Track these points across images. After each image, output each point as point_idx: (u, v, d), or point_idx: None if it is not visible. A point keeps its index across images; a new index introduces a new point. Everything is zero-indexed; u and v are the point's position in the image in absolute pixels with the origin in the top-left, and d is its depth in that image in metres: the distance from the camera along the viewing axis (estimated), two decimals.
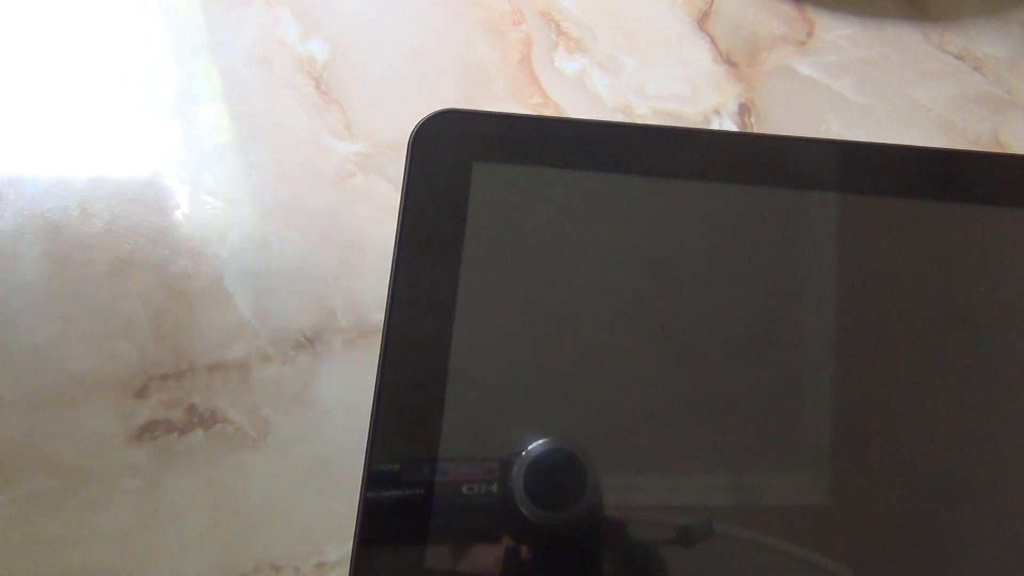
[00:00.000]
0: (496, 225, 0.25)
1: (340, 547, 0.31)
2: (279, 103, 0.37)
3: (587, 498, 0.23)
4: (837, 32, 0.38)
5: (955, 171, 0.24)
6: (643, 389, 0.24)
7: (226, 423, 0.33)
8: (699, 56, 0.38)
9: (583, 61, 0.37)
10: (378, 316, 0.32)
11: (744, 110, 0.36)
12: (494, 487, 0.23)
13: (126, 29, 0.38)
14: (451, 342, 0.24)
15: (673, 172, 0.25)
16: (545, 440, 0.23)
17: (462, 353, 0.24)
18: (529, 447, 0.23)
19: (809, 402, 0.23)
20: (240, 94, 0.37)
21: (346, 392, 0.33)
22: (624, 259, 0.24)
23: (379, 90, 0.37)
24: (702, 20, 0.38)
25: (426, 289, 0.25)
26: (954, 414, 0.23)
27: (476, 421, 0.24)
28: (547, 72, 0.37)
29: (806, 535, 0.22)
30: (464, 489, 0.23)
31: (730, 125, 0.36)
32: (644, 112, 0.36)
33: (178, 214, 0.35)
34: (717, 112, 0.36)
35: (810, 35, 0.38)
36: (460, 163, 0.25)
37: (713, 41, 0.38)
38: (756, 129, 0.36)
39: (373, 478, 0.24)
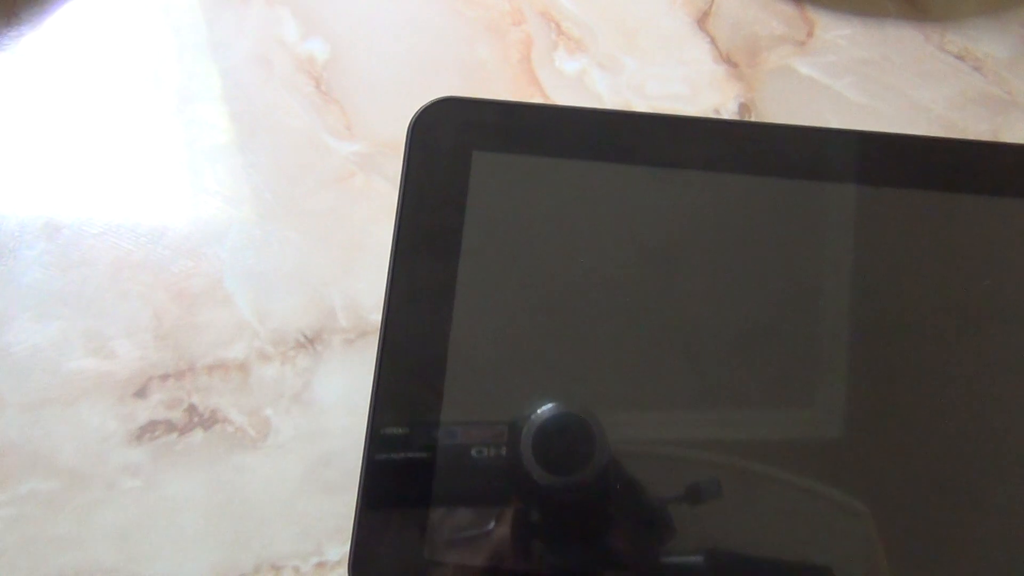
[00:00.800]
0: (496, 214, 0.25)
1: (340, 547, 0.31)
2: (279, 103, 0.37)
3: (595, 461, 0.23)
4: (837, 32, 0.38)
5: (961, 161, 0.24)
6: (645, 366, 0.24)
7: (226, 423, 0.33)
8: (699, 56, 0.38)
9: (583, 61, 0.38)
10: (378, 316, 0.32)
11: (744, 110, 0.36)
12: (503, 450, 0.23)
13: (126, 29, 0.38)
14: (451, 325, 0.24)
15: (674, 162, 0.25)
16: (551, 405, 0.23)
17: (462, 330, 0.24)
18: (536, 411, 0.23)
19: (814, 376, 0.23)
20: (240, 94, 0.37)
21: (346, 392, 0.33)
22: (625, 247, 0.24)
23: (379, 90, 0.37)
24: (702, 20, 0.38)
25: (425, 274, 0.25)
26: (964, 386, 0.23)
27: (479, 389, 0.24)
28: (547, 72, 0.37)
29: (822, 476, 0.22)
30: (473, 452, 0.23)
31: None
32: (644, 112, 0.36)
33: (178, 214, 0.35)
34: (717, 112, 0.36)
35: (810, 35, 0.38)
36: (460, 151, 0.25)
37: (713, 41, 0.38)
38: None
39: (378, 440, 0.24)
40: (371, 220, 0.35)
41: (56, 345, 0.34)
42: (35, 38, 0.38)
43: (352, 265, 0.34)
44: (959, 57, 0.37)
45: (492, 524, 0.23)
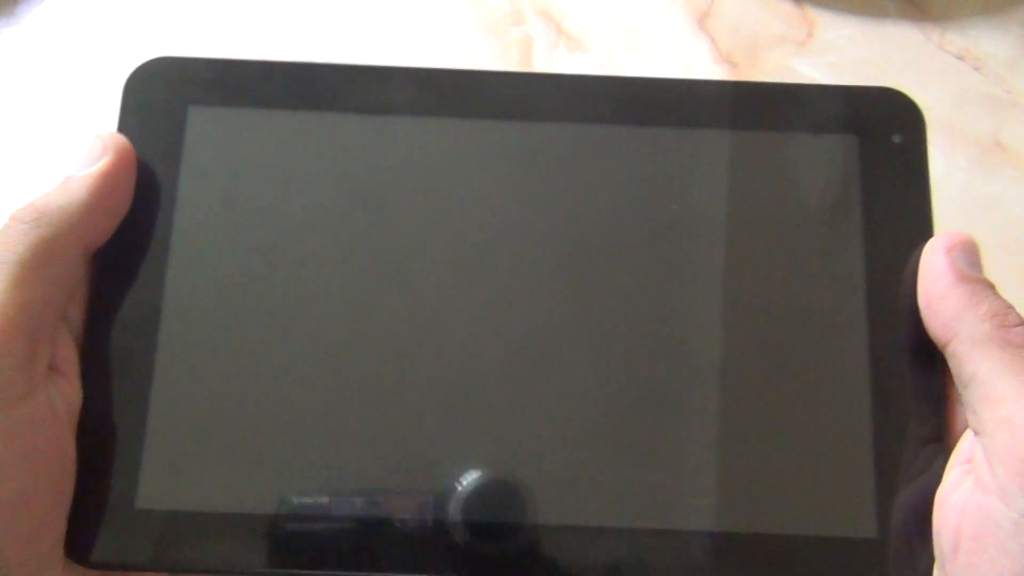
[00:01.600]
0: (214, 168, 0.24)
1: None
2: None
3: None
4: (837, 32, 0.38)
5: (649, 98, 0.24)
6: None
7: None
8: (699, 56, 0.38)
9: (583, 61, 0.38)
10: None
11: None
12: None
13: (126, 29, 0.38)
14: (164, 286, 0.23)
15: (389, 108, 0.24)
16: None
17: (176, 295, 0.23)
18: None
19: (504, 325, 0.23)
20: None
21: None
22: (345, 198, 0.24)
23: None
24: (702, 20, 0.38)
25: (137, 235, 0.23)
26: (647, 322, 0.23)
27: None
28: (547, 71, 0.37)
29: None
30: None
31: None
32: None
33: None
34: None
35: (810, 35, 0.38)
36: (175, 109, 0.24)
37: (713, 41, 0.38)
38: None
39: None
40: None
41: None
42: (34, 37, 0.38)
43: None
44: (959, 57, 0.37)
45: None
